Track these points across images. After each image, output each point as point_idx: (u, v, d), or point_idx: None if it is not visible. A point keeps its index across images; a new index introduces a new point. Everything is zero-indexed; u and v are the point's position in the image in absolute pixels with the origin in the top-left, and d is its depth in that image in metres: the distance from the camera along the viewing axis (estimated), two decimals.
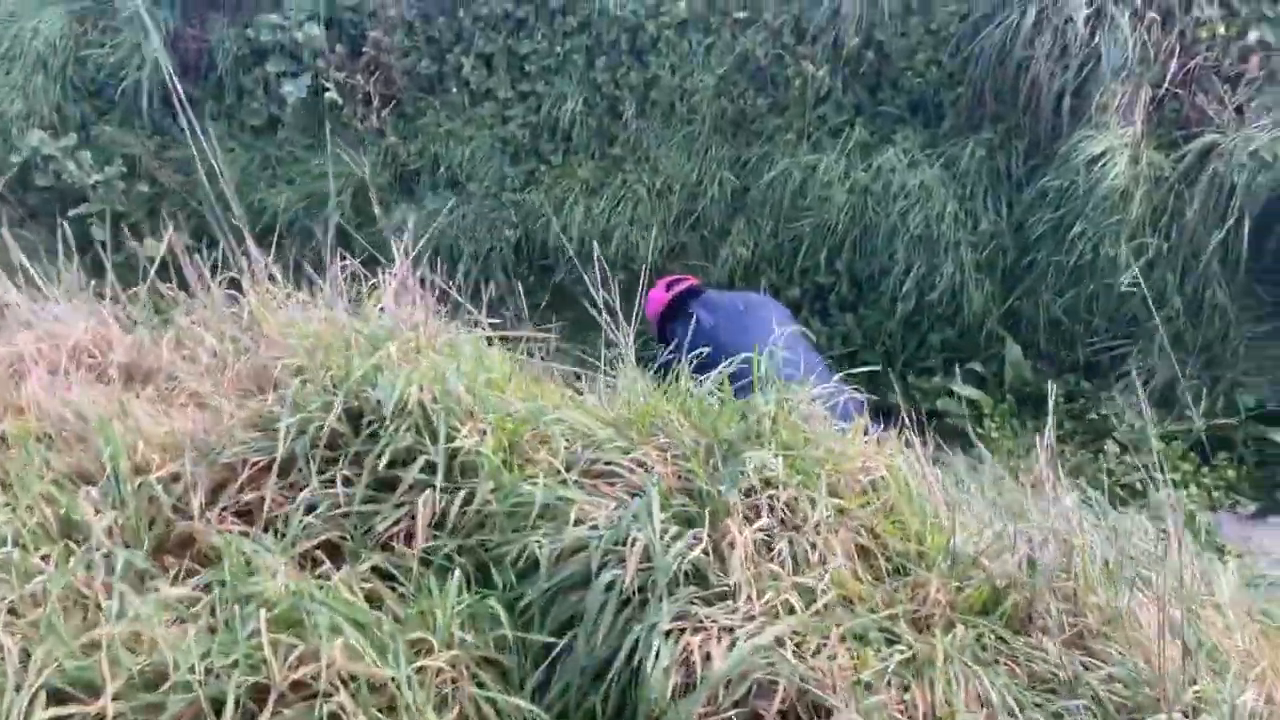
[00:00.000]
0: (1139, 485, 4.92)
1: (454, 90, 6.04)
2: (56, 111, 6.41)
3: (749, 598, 1.89)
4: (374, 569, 1.95)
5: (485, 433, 2.14)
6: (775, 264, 5.73)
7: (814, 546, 2.08)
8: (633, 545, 1.84)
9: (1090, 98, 5.16)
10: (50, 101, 6.39)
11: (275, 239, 6.04)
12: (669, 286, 4.79)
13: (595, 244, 5.74)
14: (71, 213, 6.05)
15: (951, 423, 5.31)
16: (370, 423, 2.13)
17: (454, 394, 2.15)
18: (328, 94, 6.00)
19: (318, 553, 1.98)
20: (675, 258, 5.89)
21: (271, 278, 2.96)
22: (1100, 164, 5.08)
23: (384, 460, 2.04)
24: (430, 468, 2.07)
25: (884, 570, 2.22)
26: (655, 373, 4.22)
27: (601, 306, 2.91)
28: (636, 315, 3.01)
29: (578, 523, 1.96)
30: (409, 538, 2.04)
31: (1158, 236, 5.15)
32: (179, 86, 4.55)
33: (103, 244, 6.22)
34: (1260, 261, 5.09)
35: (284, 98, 6.02)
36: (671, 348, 4.21)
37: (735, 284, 5.78)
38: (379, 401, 2.13)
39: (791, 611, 1.93)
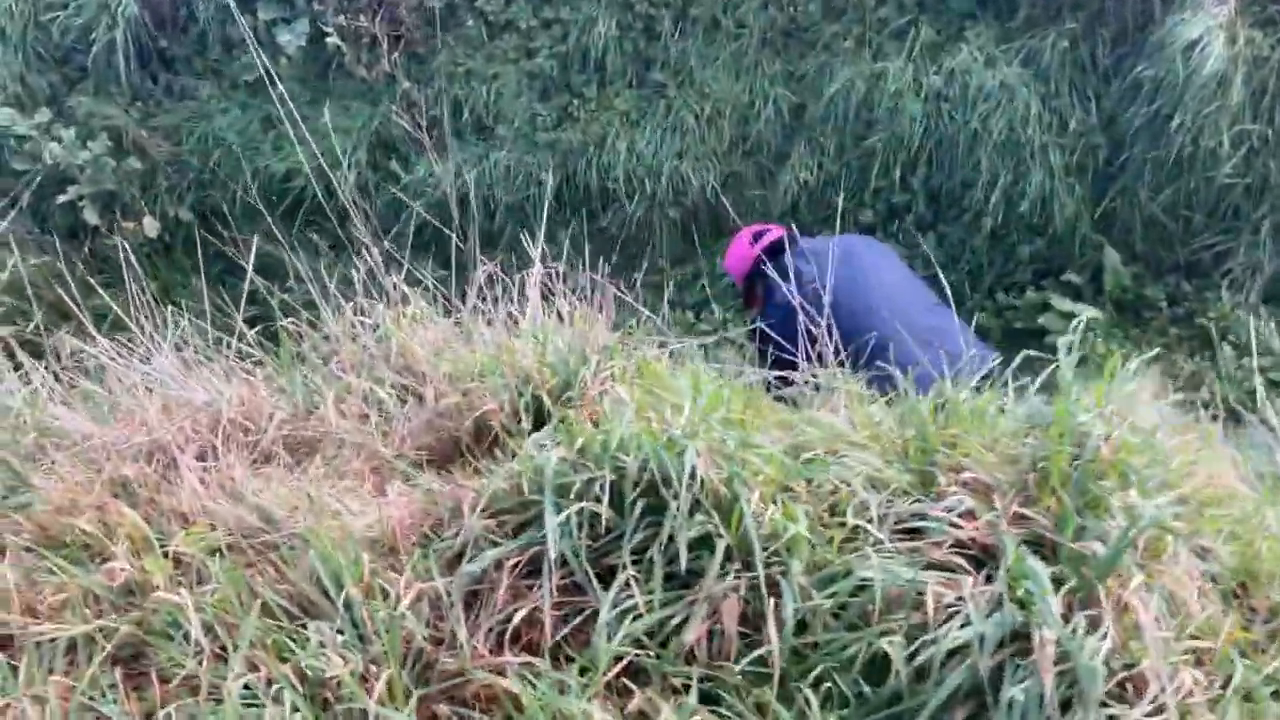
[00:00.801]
0: (1262, 390, 4.66)
1: (469, 23, 5.47)
2: (20, 84, 5.75)
3: (1158, 684, 1.55)
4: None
5: (777, 501, 1.76)
6: (843, 186, 5.31)
7: (1175, 591, 1.76)
8: (1043, 646, 1.48)
9: None
10: (13, 74, 5.73)
11: (288, 207, 5.55)
12: (755, 238, 4.15)
13: (645, 181, 5.33)
14: (61, 199, 5.46)
15: (1051, 340, 4.99)
16: (634, 502, 1.74)
17: (734, 454, 1.76)
18: (329, 40, 5.41)
19: (621, 678, 1.61)
20: (731, 189, 5.45)
21: (405, 298, 2.52)
22: (1198, 48, 4.69)
23: (684, 554, 1.66)
24: (728, 553, 1.69)
25: (1226, 595, 1.91)
26: (754, 339, 3.71)
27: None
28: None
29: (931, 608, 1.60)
30: (709, 640, 1.68)
31: (1259, 122, 4.80)
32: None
33: (95, 229, 5.71)
34: None
35: (280, 48, 5.42)
36: (769, 311, 3.67)
37: (799, 211, 5.37)
38: (644, 470, 1.74)
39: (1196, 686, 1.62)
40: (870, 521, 1.76)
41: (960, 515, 1.81)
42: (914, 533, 1.80)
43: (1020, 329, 5.10)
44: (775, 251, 3.97)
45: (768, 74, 5.30)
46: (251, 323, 5.48)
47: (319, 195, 5.60)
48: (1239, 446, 4.19)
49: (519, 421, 2.06)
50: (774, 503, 1.75)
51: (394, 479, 2.05)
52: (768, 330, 3.41)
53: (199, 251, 5.77)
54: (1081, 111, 4.98)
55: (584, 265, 5.39)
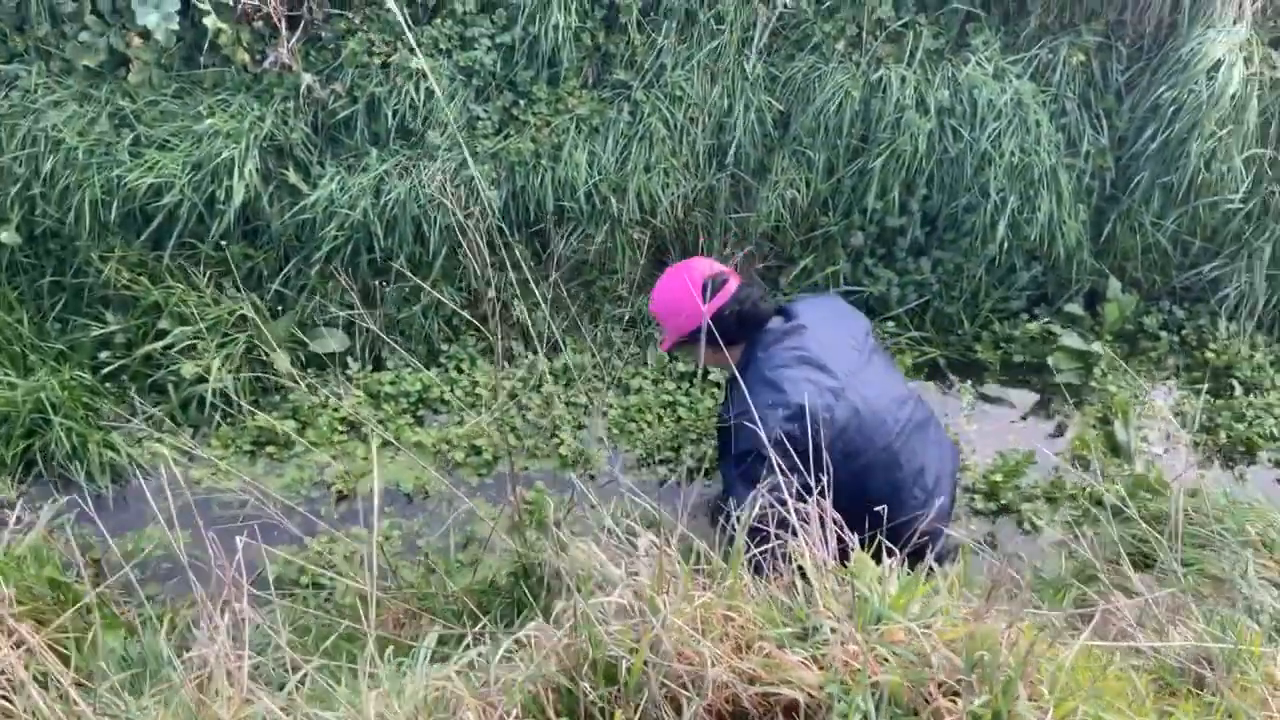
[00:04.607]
0: (1274, 431, 4.53)
1: (389, 5, 4.44)
2: None
3: None
4: None
5: None
6: (833, 207, 4.73)
7: None
8: None
9: None
10: None
11: (153, 232, 4.40)
12: (711, 288, 3.18)
13: (610, 199, 4.56)
14: None
15: (1062, 380, 4.69)
16: None
17: None
18: (207, 19, 4.24)
19: None
20: (702, 206, 4.75)
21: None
22: (1222, 69, 4.39)
23: None
24: None
25: None
26: (736, 460, 2.94)
27: None
28: None
29: None
30: None
31: (1269, 146, 4.59)
32: None
33: None
34: None
35: (147, 30, 4.21)
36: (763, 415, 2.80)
37: (780, 234, 4.75)
38: None
39: None
40: None
41: None
42: None
43: (1020, 362, 4.75)
44: (746, 318, 3.17)
45: (749, 77, 4.59)
46: (106, 371, 4.34)
47: (202, 214, 4.49)
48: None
49: None
50: None
51: None
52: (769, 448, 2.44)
53: (24, 282, 4.55)
54: (1093, 132, 4.60)
55: (545, 300, 4.59)
